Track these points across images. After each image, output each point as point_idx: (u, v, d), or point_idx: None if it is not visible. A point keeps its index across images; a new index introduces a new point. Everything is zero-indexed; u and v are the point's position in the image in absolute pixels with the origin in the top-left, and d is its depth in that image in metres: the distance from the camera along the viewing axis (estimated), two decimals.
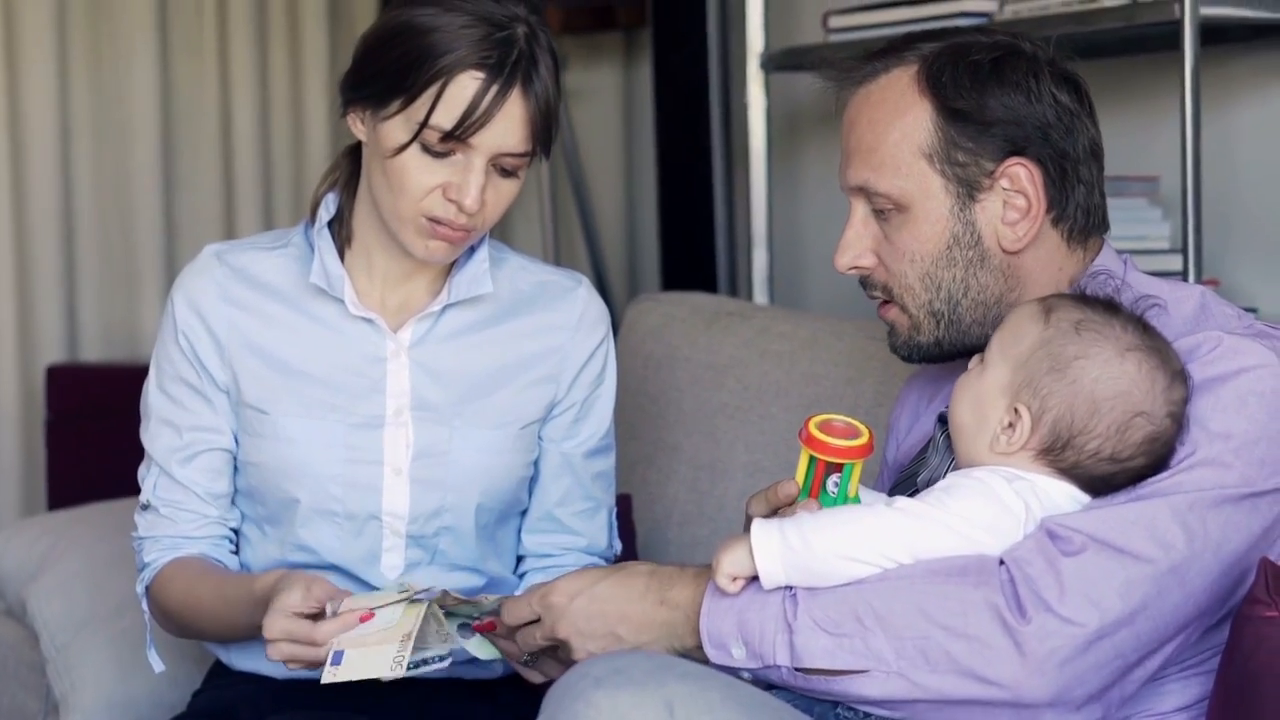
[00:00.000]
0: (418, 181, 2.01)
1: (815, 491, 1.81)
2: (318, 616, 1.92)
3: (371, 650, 1.86)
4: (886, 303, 1.94)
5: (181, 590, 2.13)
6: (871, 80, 1.92)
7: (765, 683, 1.76)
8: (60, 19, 3.75)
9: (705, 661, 1.75)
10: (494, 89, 1.98)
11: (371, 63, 2.04)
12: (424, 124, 1.99)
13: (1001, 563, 1.71)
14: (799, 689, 1.75)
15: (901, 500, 1.77)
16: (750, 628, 1.74)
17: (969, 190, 1.87)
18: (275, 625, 1.91)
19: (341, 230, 2.15)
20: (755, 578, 1.75)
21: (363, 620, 1.89)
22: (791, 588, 1.74)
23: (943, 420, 1.95)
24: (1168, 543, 1.70)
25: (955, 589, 1.69)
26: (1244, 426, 1.74)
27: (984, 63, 1.87)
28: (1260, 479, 1.73)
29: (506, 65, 1.99)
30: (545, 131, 2.04)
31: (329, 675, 1.85)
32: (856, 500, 1.82)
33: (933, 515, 1.73)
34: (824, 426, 1.80)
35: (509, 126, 2.00)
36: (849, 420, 1.81)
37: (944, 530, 1.72)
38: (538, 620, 1.86)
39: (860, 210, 1.93)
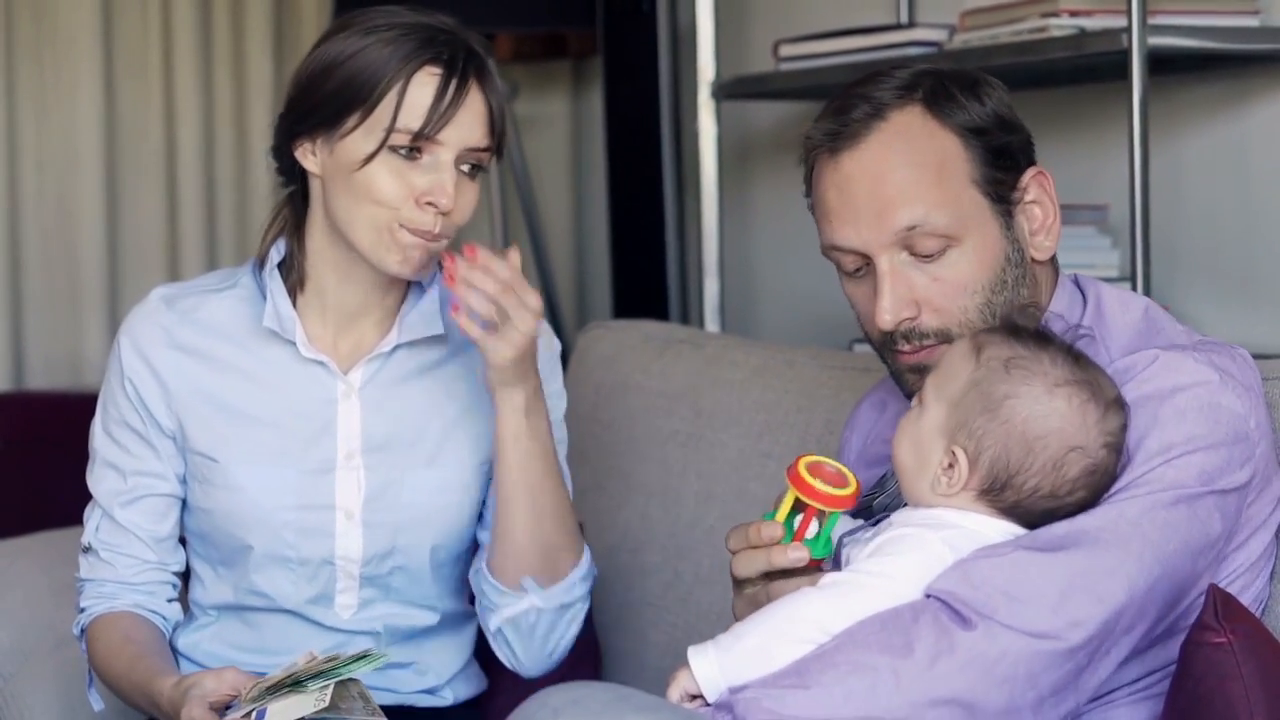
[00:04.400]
0: (389, 190, 2.01)
1: (800, 537, 1.79)
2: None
3: (291, 700, 1.85)
4: (930, 346, 1.86)
5: (101, 653, 2.12)
6: (871, 131, 1.85)
7: None
8: (5, 48, 3.73)
9: None
10: (454, 82, 2.00)
11: (316, 89, 2.04)
12: (391, 128, 1.99)
13: (929, 596, 1.71)
14: None
15: (829, 575, 1.76)
16: None
17: (1007, 207, 1.86)
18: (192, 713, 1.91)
19: (291, 275, 2.13)
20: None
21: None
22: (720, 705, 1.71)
23: None
24: (1101, 542, 1.70)
25: (893, 625, 1.69)
26: (1181, 440, 1.74)
27: (968, 88, 1.87)
28: (1194, 483, 1.74)
29: (459, 60, 2.01)
30: (502, 126, 2.05)
31: None
32: (831, 546, 1.81)
33: (861, 582, 1.73)
34: (814, 469, 1.77)
35: (472, 119, 2.02)
36: (839, 466, 1.80)
37: (874, 593, 1.72)
38: None
39: (887, 262, 1.84)
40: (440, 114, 1.99)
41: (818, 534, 1.79)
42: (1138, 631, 1.74)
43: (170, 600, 2.16)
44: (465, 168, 2.03)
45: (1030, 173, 1.88)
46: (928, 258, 1.84)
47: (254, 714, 1.86)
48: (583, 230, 4.15)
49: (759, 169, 3.50)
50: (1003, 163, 1.86)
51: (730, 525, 2.35)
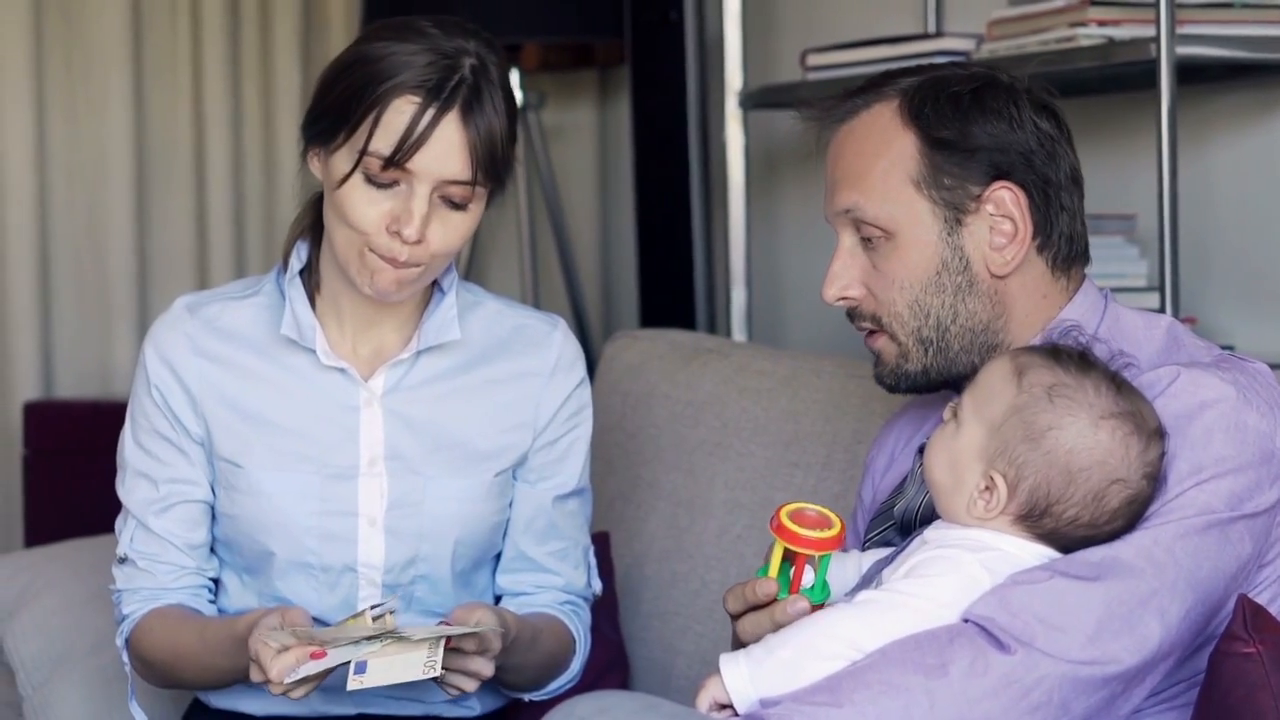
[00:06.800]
0: (362, 213, 1.99)
1: (796, 586, 1.79)
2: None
3: (396, 659, 1.86)
4: (874, 332, 1.94)
5: (162, 638, 2.11)
6: (853, 116, 1.94)
7: None
8: (36, 59, 3.74)
9: None
10: (430, 112, 1.96)
11: (323, 98, 2.04)
12: (364, 151, 1.97)
13: (966, 620, 1.71)
14: None
15: (865, 593, 1.76)
16: None
17: (956, 215, 1.88)
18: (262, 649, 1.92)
19: (312, 278, 2.14)
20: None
21: (314, 657, 1.88)
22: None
23: (922, 451, 1.95)
24: (1136, 571, 1.71)
25: (928, 646, 1.68)
26: (1211, 462, 1.74)
27: (964, 93, 1.89)
28: (1224, 508, 1.73)
29: (445, 89, 1.97)
30: (490, 161, 1.99)
31: (354, 683, 1.86)
32: (829, 589, 1.81)
33: (897, 601, 1.72)
34: (796, 517, 1.78)
35: (447, 151, 1.97)
36: (820, 509, 1.79)
37: (910, 613, 1.71)
38: None
39: (847, 240, 1.93)
40: (410, 142, 1.96)
41: (813, 581, 1.79)
42: (1174, 659, 1.74)
43: (211, 602, 2.17)
44: (456, 199, 2.00)
45: (995, 186, 1.88)
46: (871, 246, 1.91)
47: (352, 664, 1.86)
48: (610, 239, 4.15)
49: (786, 178, 3.50)
50: (958, 170, 1.88)
51: (757, 533, 2.35)
